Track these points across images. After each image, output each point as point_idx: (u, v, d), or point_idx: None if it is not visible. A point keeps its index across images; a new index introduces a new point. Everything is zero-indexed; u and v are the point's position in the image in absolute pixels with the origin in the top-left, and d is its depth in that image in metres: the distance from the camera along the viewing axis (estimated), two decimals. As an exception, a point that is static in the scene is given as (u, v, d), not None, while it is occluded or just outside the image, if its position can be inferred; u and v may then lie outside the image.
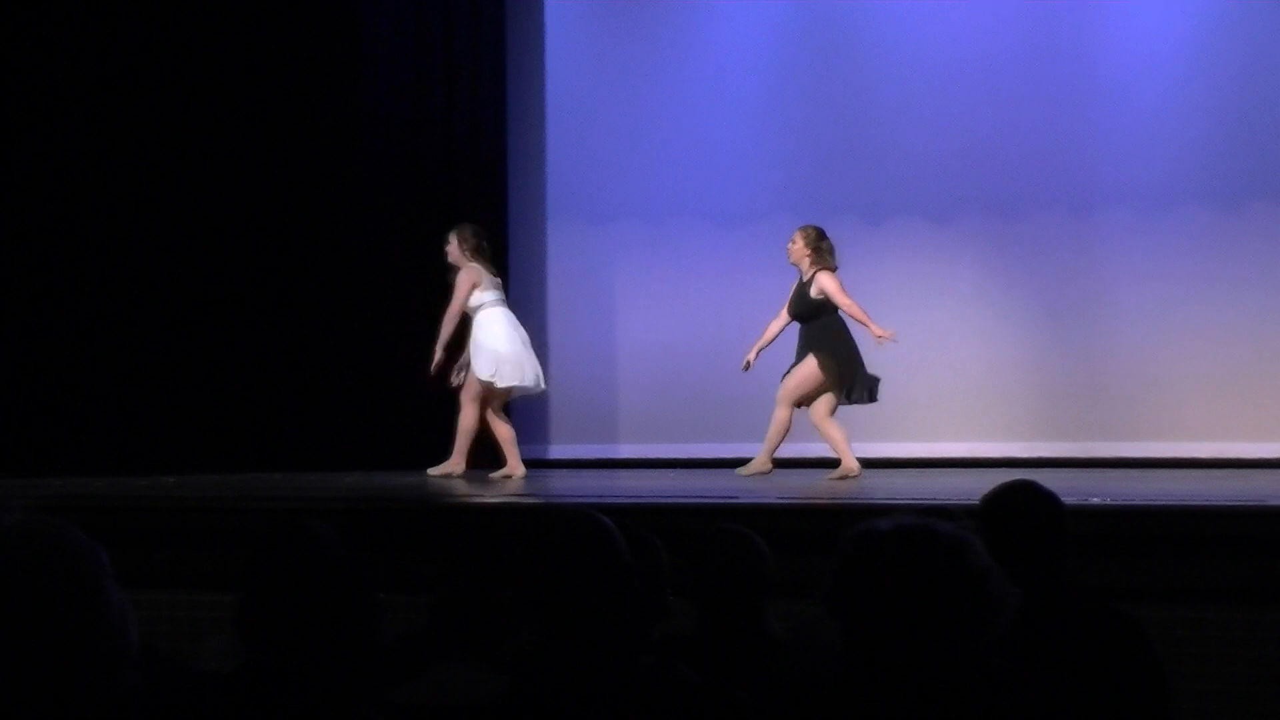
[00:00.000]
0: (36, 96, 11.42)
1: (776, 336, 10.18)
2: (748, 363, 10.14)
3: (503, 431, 10.38)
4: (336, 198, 11.67)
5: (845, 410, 10.12)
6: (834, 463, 9.94)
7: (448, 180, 12.10)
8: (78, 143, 11.43)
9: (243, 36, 11.67)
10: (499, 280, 10.45)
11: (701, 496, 8.33)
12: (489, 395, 10.27)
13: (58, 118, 11.44)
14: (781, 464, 10.24)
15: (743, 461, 10.17)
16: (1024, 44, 11.81)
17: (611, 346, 12.42)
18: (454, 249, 10.33)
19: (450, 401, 10.47)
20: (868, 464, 10.31)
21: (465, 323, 10.26)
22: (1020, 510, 4.24)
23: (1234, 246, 11.42)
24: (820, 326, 9.90)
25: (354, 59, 11.91)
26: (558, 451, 12.35)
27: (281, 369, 11.47)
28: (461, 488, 9.79)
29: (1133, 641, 4.13)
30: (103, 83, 11.46)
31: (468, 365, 10.26)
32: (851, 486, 9.43)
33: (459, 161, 12.20)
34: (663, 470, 11.23)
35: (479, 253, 10.34)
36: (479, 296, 10.26)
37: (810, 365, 9.87)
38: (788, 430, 9.98)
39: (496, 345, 10.21)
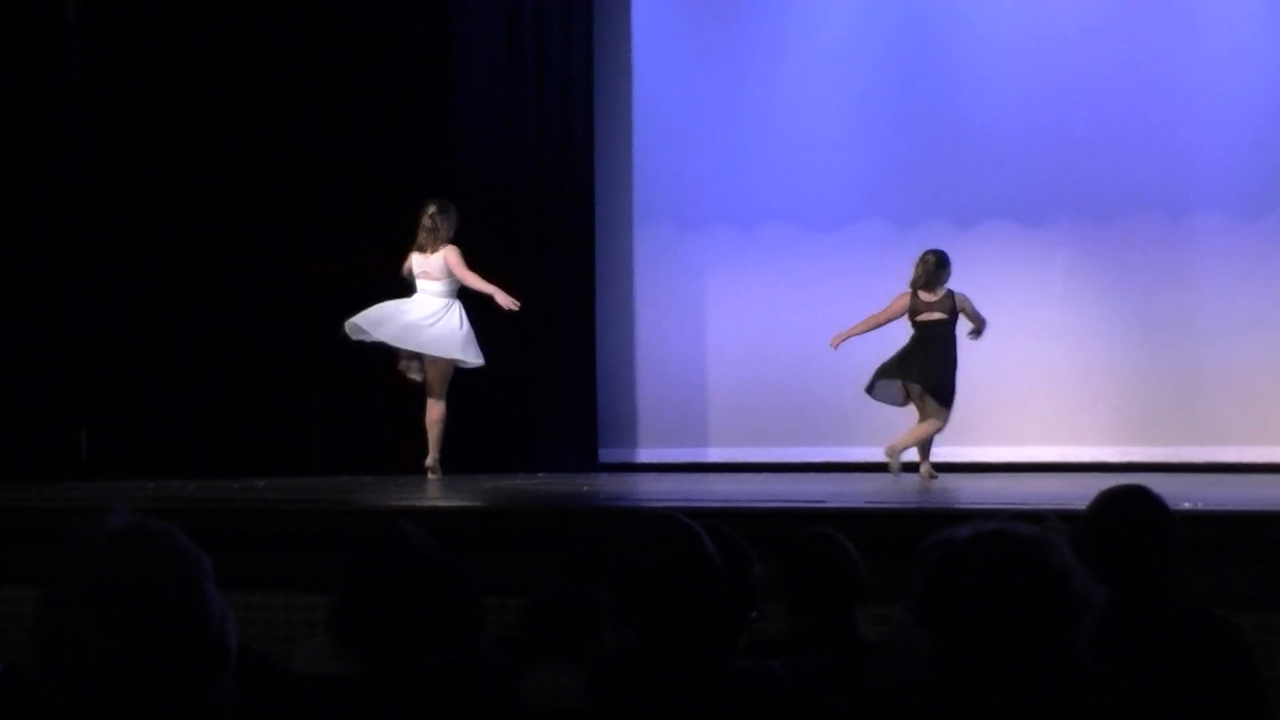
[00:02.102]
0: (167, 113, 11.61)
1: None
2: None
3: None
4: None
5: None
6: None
7: (535, 186, 12.12)
8: (169, 157, 11.61)
9: (336, 42, 11.79)
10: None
11: (790, 501, 8.31)
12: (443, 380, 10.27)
13: (171, 131, 11.63)
14: (868, 468, 10.24)
15: (835, 466, 10.22)
16: (1119, 45, 11.70)
17: (700, 351, 12.41)
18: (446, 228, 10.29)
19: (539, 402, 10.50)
20: (958, 468, 10.25)
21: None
22: (1129, 515, 4.20)
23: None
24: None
25: (445, 64, 11.97)
26: (646, 455, 12.36)
27: (369, 375, 11.54)
28: (553, 490, 9.81)
29: (1229, 647, 4.09)
30: (206, 99, 11.65)
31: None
32: (937, 490, 9.43)
33: (546, 168, 12.21)
34: (752, 474, 11.21)
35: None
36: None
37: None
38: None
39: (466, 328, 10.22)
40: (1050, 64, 11.79)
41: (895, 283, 10.47)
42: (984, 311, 10.32)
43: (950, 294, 10.22)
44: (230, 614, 2.15)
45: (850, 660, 4.04)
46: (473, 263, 10.36)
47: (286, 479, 10.33)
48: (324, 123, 11.76)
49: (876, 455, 10.26)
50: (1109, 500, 4.29)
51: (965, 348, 10.30)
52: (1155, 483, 4.50)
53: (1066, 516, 4.21)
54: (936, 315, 10.20)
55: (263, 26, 11.76)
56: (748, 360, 12.19)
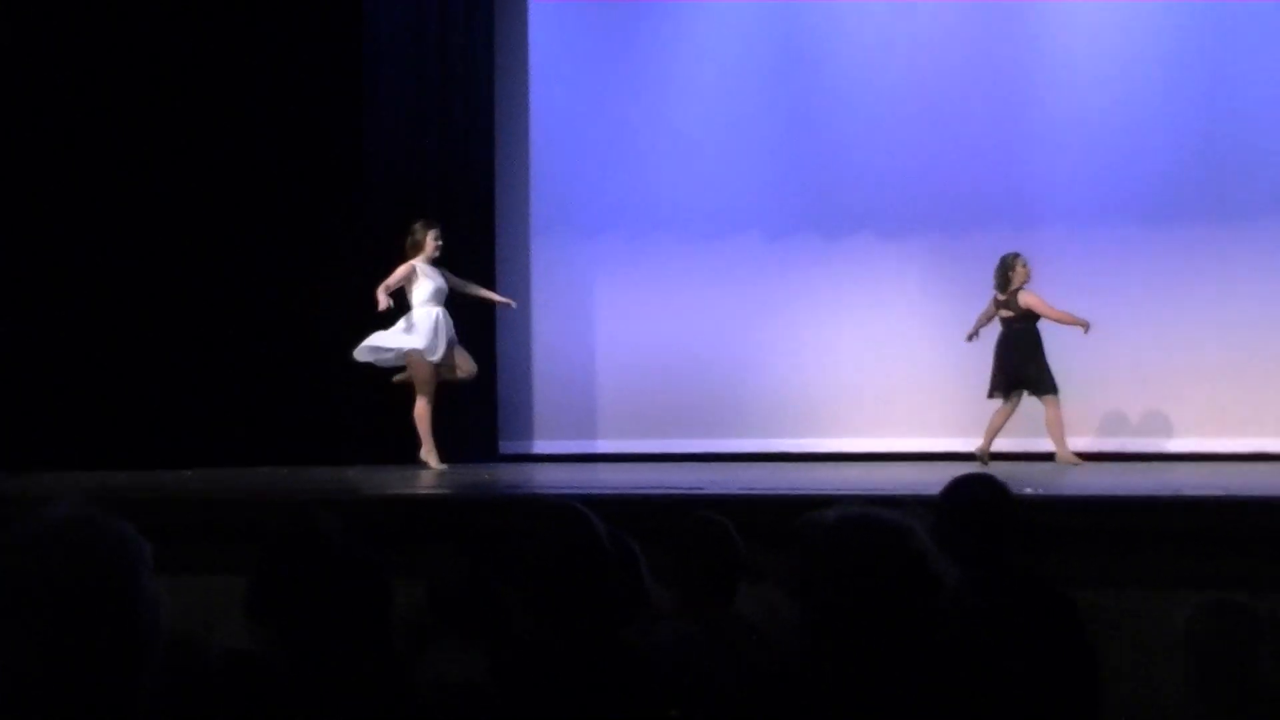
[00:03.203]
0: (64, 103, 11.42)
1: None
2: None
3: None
4: (337, 207, 11.66)
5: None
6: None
7: (439, 195, 12.08)
8: (97, 145, 11.45)
9: (246, 57, 11.69)
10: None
11: (672, 488, 8.34)
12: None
13: (76, 120, 11.44)
14: (746, 459, 10.28)
15: (714, 456, 10.26)
16: (968, 68, 11.82)
17: (591, 350, 12.43)
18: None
19: (445, 398, 10.54)
20: (825, 458, 10.33)
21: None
22: (977, 499, 4.29)
23: (1169, 259, 11.48)
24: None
25: (352, 75, 11.88)
26: (542, 446, 12.36)
27: (289, 367, 11.46)
28: (456, 479, 9.78)
29: (1066, 621, 4.18)
30: (114, 88, 11.48)
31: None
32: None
33: (449, 178, 12.17)
34: (639, 464, 11.24)
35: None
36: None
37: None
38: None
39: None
40: (910, 87, 11.90)
41: (770, 288, 10.56)
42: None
43: (1016, 293, 10.60)
44: (166, 600, 2.13)
45: (732, 639, 4.07)
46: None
47: (210, 470, 10.23)
48: (234, 126, 11.65)
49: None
50: (959, 486, 4.37)
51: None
52: (1000, 470, 4.58)
53: (923, 502, 4.26)
54: (1005, 312, 10.66)
55: (172, 39, 11.62)
56: (636, 359, 12.22)
